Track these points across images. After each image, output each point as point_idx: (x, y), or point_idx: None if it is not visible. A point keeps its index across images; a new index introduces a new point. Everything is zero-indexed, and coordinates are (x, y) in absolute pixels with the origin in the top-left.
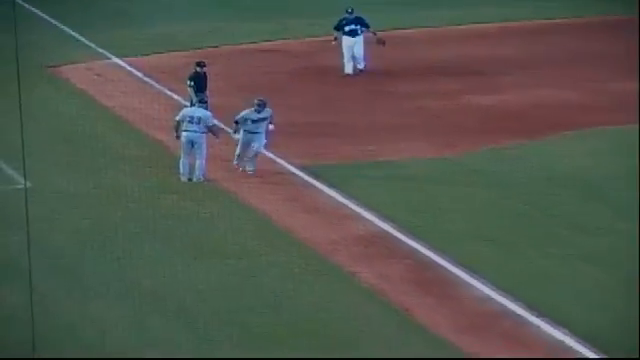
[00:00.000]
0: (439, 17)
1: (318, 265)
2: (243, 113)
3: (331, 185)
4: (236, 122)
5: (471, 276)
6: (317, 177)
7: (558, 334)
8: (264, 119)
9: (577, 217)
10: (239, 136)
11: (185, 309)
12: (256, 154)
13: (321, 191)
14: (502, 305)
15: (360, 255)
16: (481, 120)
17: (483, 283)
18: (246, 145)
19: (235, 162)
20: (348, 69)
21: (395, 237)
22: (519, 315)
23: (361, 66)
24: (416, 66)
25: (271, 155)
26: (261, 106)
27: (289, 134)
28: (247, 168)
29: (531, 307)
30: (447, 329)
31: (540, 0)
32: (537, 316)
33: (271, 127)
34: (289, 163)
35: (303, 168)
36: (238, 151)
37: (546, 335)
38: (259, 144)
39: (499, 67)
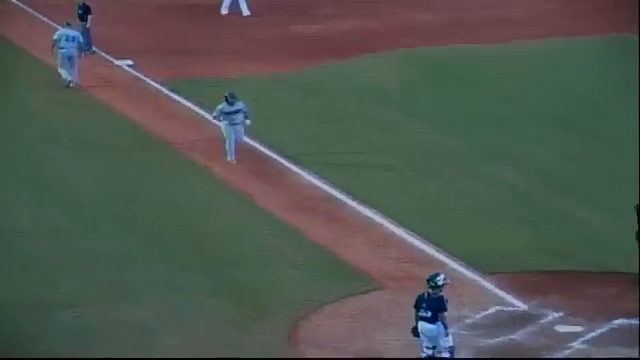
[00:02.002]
0: None
1: (178, 161)
2: (218, 108)
3: (187, 97)
4: (214, 117)
5: (298, 167)
6: (176, 91)
7: (369, 212)
8: (238, 111)
9: (377, 117)
10: (220, 124)
11: (71, 198)
12: (237, 144)
13: (179, 102)
14: (324, 190)
15: (212, 152)
16: (306, 45)
17: (308, 172)
18: (230, 137)
19: (228, 158)
20: (224, 10)
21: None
22: (338, 198)
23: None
24: (255, 3)
25: (137, 73)
26: (232, 98)
27: (152, 55)
28: (230, 159)
29: (347, 191)
30: (281, 210)
31: None
32: (352, 199)
33: (248, 122)
34: (152, 80)
35: (164, 83)
36: (227, 146)
37: (359, 214)
38: (239, 134)
39: (320, 2)
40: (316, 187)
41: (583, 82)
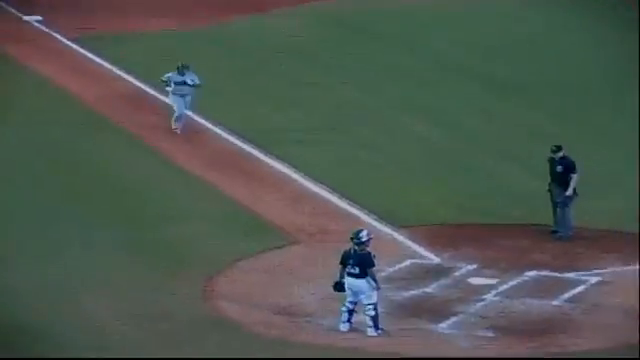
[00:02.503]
0: None
1: (90, 117)
2: (167, 74)
3: (99, 53)
4: (162, 80)
5: (212, 123)
6: (87, 47)
7: (282, 168)
8: (187, 82)
9: (291, 73)
10: (169, 90)
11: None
12: (184, 115)
13: (91, 58)
14: (239, 147)
15: (124, 108)
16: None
17: (222, 129)
18: (180, 107)
19: (174, 125)
20: None
21: (150, 94)
22: (253, 154)
23: None
24: None
25: (46, 29)
26: (184, 68)
27: (61, 11)
28: (176, 128)
29: (261, 147)
30: (197, 167)
31: None
32: (267, 155)
33: (191, 88)
34: (61, 35)
35: (73, 39)
36: (177, 113)
37: (274, 170)
38: (186, 105)
39: None
40: (231, 144)
41: (497, 36)
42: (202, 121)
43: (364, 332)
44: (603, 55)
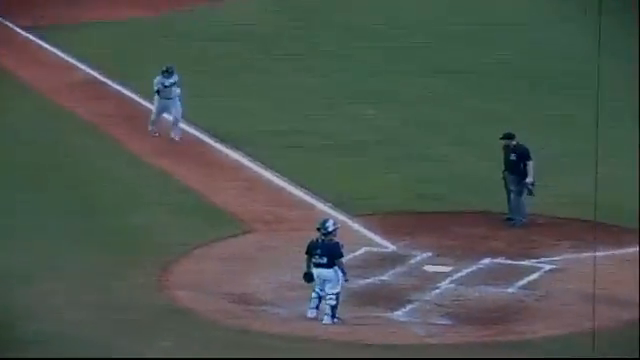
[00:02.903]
0: None
1: (44, 106)
2: (156, 80)
3: (53, 43)
4: (157, 92)
5: (166, 111)
6: (41, 36)
7: (236, 156)
8: (174, 84)
9: (247, 60)
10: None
11: None
12: (177, 121)
13: (45, 47)
14: (193, 134)
15: (78, 97)
16: None
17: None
18: (160, 112)
19: (150, 127)
20: None
21: (103, 82)
22: (206, 142)
23: None
24: None
25: (2, 19)
26: (169, 72)
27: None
28: (174, 136)
29: (215, 135)
30: (150, 154)
31: None
32: (220, 143)
33: (178, 91)
34: (15, 25)
35: (29, 29)
36: (153, 117)
37: (228, 157)
38: (176, 110)
39: None
40: (185, 131)
41: (451, 21)
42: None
43: (320, 320)
44: (560, 39)
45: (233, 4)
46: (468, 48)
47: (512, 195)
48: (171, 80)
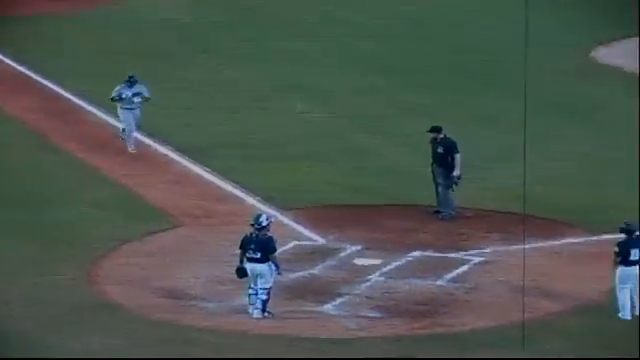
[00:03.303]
0: None
1: None
2: (116, 89)
3: None
4: (112, 99)
5: (94, 105)
6: None
7: (165, 150)
8: (138, 94)
9: (174, 53)
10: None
11: None
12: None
13: None
14: (117, 128)
15: (4, 92)
16: None
17: (104, 111)
18: (128, 121)
19: (129, 148)
20: None
21: (30, 76)
22: (135, 137)
23: None
24: None
25: None
26: (131, 81)
27: None
28: (129, 147)
29: (143, 129)
30: (78, 149)
31: None
32: (147, 136)
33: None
34: None
35: None
36: (126, 134)
37: (156, 152)
38: (137, 117)
39: None
40: (112, 125)
41: (382, 16)
42: (83, 104)
43: (251, 314)
44: (489, 34)
45: None
46: (399, 43)
47: (440, 188)
48: (133, 90)
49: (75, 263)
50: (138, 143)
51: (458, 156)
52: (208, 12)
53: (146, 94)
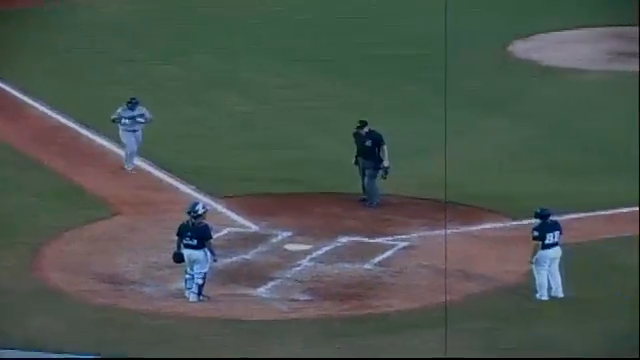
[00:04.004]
0: None
1: None
2: (117, 111)
3: None
4: (112, 120)
5: (33, 99)
6: None
7: (104, 142)
8: (140, 116)
9: (113, 51)
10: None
11: None
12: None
13: None
14: (60, 121)
15: None
16: None
17: (42, 104)
18: (131, 145)
19: (127, 166)
20: None
21: None
22: (73, 128)
23: None
24: None
25: None
26: (133, 104)
27: None
28: (126, 166)
29: (80, 121)
30: (18, 142)
31: None
32: (86, 129)
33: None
34: None
35: None
36: (127, 154)
37: (94, 143)
38: (138, 140)
39: None
40: (51, 118)
41: (303, 10)
42: (25, 98)
43: (186, 298)
44: (413, 31)
45: None
46: (325, 37)
47: (367, 179)
48: (135, 112)
49: (18, 251)
50: (53, 123)
51: (385, 147)
52: (144, 9)
53: (148, 116)
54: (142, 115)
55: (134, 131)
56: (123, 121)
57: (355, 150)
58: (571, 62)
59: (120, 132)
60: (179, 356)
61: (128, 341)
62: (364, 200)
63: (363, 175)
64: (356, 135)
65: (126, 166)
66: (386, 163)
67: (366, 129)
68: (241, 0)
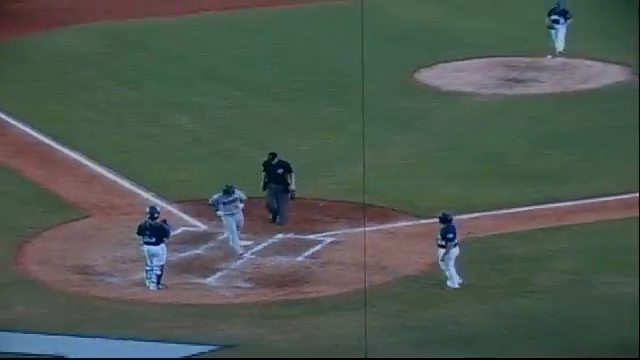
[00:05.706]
0: None
1: None
2: (214, 197)
3: None
4: (211, 204)
5: (15, 119)
6: None
7: (75, 155)
8: (235, 200)
9: (79, 79)
10: (221, 214)
11: None
12: (238, 228)
13: None
14: (37, 138)
15: None
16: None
17: (23, 124)
18: (231, 227)
19: (238, 250)
20: None
21: None
22: (49, 144)
23: None
24: None
25: None
26: (229, 191)
27: None
28: (236, 249)
29: (57, 139)
30: (3, 156)
31: None
32: (62, 145)
33: (241, 205)
34: None
35: None
36: (231, 237)
37: (68, 157)
38: (239, 220)
39: None
40: (30, 136)
41: (240, 44)
42: (5, 117)
43: (147, 287)
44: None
45: (67, 32)
46: (262, 67)
47: (280, 201)
48: (231, 197)
49: (3, 247)
50: (30, 139)
51: (293, 174)
52: (105, 45)
53: (243, 198)
54: (240, 198)
55: (233, 214)
56: (221, 205)
57: (263, 177)
58: (466, 87)
59: (221, 217)
60: (141, 336)
61: (97, 323)
62: (273, 220)
63: (276, 200)
64: (267, 164)
65: (238, 251)
66: (293, 187)
67: (276, 160)
68: (188, 37)
